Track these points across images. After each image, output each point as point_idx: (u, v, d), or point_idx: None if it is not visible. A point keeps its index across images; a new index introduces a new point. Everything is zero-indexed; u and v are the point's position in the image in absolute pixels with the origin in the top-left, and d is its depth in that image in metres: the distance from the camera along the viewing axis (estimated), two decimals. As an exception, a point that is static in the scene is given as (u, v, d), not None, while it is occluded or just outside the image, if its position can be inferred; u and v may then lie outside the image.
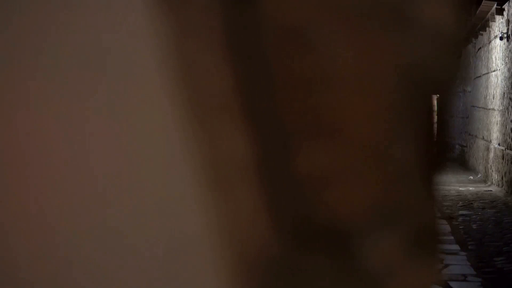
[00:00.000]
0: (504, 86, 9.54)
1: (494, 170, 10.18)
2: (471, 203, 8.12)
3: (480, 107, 12.30)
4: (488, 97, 11.34)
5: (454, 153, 15.76)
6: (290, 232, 0.32)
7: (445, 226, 6.46)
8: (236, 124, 0.31)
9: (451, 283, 4.27)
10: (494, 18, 10.66)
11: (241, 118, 0.31)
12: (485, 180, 10.97)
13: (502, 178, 9.41)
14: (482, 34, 12.44)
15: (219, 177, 0.31)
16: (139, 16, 0.31)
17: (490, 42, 11.28)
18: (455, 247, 5.44)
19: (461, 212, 7.40)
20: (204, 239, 0.32)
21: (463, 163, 14.17)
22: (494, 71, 10.75)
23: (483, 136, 11.74)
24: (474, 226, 6.43)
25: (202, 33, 0.32)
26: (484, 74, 11.99)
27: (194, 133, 0.31)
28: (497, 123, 10.12)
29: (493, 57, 10.87)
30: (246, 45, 0.32)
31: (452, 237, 5.86)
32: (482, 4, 10.65)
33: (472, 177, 11.83)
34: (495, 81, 10.50)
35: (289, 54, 0.33)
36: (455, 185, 10.57)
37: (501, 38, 9.61)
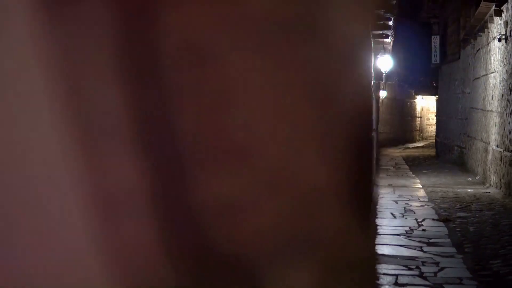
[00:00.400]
0: (502, 88, 9.50)
1: (492, 172, 10.14)
2: (469, 205, 8.08)
3: (478, 109, 12.26)
4: (486, 99, 11.30)
5: (453, 154, 15.71)
6: (190, 262, 0.29)
7: (442, 229, 6.42)
8: (126, 149, 0.28)
9: (446, 287, 4.23)
10: (493, 19, 10.62)
11: (133, 141, 0.28)
12: (483, 182, 10.93)
13: (500, 180, 9.37)
14: (480, 36, 12.40)
15: (107, 207, 0.28)
16: (21, 23, 0.28)
17: (488, 43, 11.24)
18: (451, 249, 5.40)
19: (458, 214, 7.35)
20: (81, 270, 0.28)
21: (461, 165, 14.13)
22: (492, 72, 10.71)
23: (481, 138, 11.70)
24: (471, 229, 6.39)
25: (90, 49, 0.29)
26: (482, 76, 11.95)
27: (79, 157, 0.28)
28: (495, 125, 10.07)
29: (492, 58, 10.83)
30: (142, 62, 0.29)
31: (448, 240, 5.82)
32: (481, 5, 10.62)
33: (470, 179, 11.79)
34: (494, 82, 10.46)
35: (190, 71, 0.30)
36: (453, 187, 10.53)
37: (499, 40, 9.57)
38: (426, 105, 31.29)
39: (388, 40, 10.03)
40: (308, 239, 0.31)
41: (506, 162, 8.93)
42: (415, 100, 30.61)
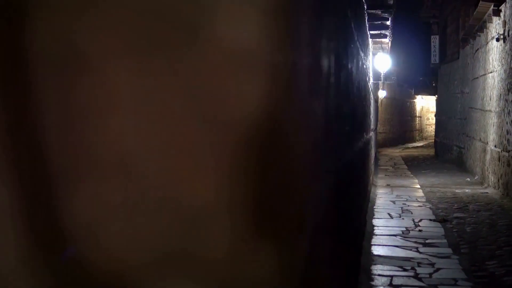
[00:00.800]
0: (500, 88, 9.47)
1: (490, 172, 10.11)
2: (467, 206, 8.05)
3: (477, 109, 12.23)
4: (485, 99, 11.27)
5: (452, 154, 15.68)
6: (61, 281, 0.26)
7: (439, 229, 6.40)
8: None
9: (441, 288, 4.21)
10: (492, 19, 10.59)
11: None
12: (482, 182, 10.90)
13: (498, 180, 9.34)
14: (479, 36, 12.37)
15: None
16: None
17: (487, 43, 11.21)
18: (448, 250, 5.37)
19: (455, 214, 7.33)
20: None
21: (461, 165, 14.10)
22: (491, 72, 10.68)
23: (480, 138, 11.67)
24: (468, 229, 6.36)
25: None
26: (481, 76, 11.92)
27: None
28: (493, 125, 10.05)
29: (490, 58, 10.80)
30: (4, 67, 0.27)
31: (445, 240, 5.79)
32: (479, 5, 10.59)
33: (469, 179, 11.76)
34: (492, 82, 10.43)
35: (62, 82, 0.28)
36: (452, 187, 10.51)
37: (497, 40, 9.55)
38: (426, 105, 31.28)
39: (386, 40, 10.00)
40: (192, 258, 0.29)
41: (504, 162, 8.90)
42: (414, 100, 30.58)
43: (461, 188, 10.27)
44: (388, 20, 8.30)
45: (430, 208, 7.90)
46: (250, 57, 0.44)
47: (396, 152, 21.64)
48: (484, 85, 11.38)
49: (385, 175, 13.03)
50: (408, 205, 8.13)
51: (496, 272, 4.57)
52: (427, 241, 5.74)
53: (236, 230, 0.31)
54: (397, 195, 9.23)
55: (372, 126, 11.30)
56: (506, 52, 9.15)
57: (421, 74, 25.13)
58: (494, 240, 5.75)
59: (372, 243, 5.62)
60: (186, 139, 0.28)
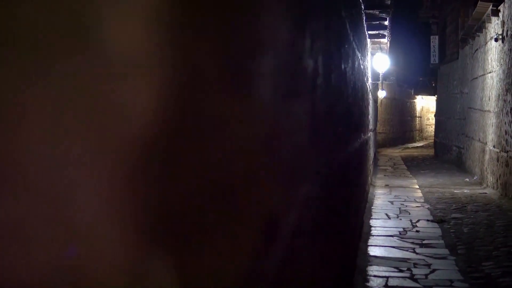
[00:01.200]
0: (499, 88, 9.46)
1: (489, 172, 10.10)
2: (465, 206, 8.03)
3: (476, 109, 12.22)
4: (484, 99, 11.26)
5: (451, 155, 15.66)
6: None
7: (436, 230, 6.38)
8: None
9: (436, 289, 4.19)
10: (490, 19, 10.57)
11: None
12: (480, 182, 10.88)
13: (497, 181, 9.32)
14: (478, 36, 12.35)
15: None
16: None
17: (486, 43, 11.19)
18: (444, 251, 5.36)
19: (453, 215, 7.31)
20: None
21: (460, 165, 14.09)
22: (489, 72, 10.67)
23: (479, 138, 11.65)
24: (465, 230, 6.34)
25: None
26: (480, 76, 11.91)
27: None
28: (492, 125, 10.03)
29: (489, 58, 10.79)
30: None
31: (442, 241, 5.78)
32: (478, 5, 10.58)
33: (468, 179, 11.75)
34: (491, 82, 10.41)
35: None
36: (450, 187, 10.49)
37: (495, 40, 9.53)
38: (426, 105, 31.28)
39: (385, 40, 9.99)
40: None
41: (502, 162, 8.89)
42: (415, 100, 30.57)
43: (460, 188, 10.26)
44: (386, 20, 8.28)
45: (428, 208, 7.89)
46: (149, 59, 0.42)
47: (396, 152, 21.63)
48: (483, 86, 11.37)
49: (384, 175, 13.01)
50: (406, 206, 8.11)
51: (492, 273, 4.55)
52: (424, 242, 5.72)
53: (133, 242, 0.29)
54: (395, 196, 9.22)
55: (370, 126, 11.29)
56: (504, 52, 9.13)
57: (421, 74, 25.12)
58: (491, 241, 5.73)
59: (369, 243, 5.60)
60: (77, 149, 0.27)
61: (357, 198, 4.83)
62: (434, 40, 17.74)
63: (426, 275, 4.51)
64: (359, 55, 5.78)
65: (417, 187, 10.55)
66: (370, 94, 10.57)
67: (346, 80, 3.58)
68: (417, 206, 8.08)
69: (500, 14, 9.68)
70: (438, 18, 17.98)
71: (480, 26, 11.68)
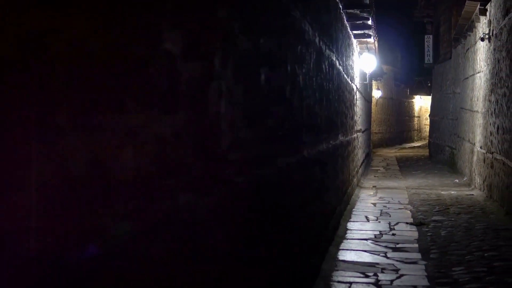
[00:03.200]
0: (485, 88, 9.34)
1: (477, 173, 9.98)
2: (448, 208, 7.92)
3: (467, 109, 12.09)
4: (473, 99, 11.13)
5: (444, 155, 15.54)
6: None
7: (413, 233, 6.27)
8: None
9: (397, 296, 4.08)
10: (479, 18, 10.45)
11: None
12: (469, 183, 10.77)
13: (483, 182, 9.20)
14: (469, 35, 12.23)
15: None
16: None
17: (476, 43, 11.07)
18: (417, 255, 5.25)
19: (434, 217, 7.20)
20: None
21: (452, 166, 13.96)
22: (478, 72, 10.55)
23: (468, 139, 11.53)
24: (443, 233, 6.23)
25: None
26: (470, 76, 11.79)
27: None
28: (479, 126, 9.91)
29: (478, 58, 10.67)
30: None
31: (416, 245, 5.67)
32: (466, 4, 10.47)
33: (457, 180, 11.63)
34: (479, 83, 10.29)
35: None
36: (438, 188, 10.38)
37: (482, 39, 9.41)
38: (424, 105, 31.12)
39: (371, 39, 9.87)
40: None
41: (488, 164, 8.77)
42: (413, 100, 30.42)
43: (447, 190, 10.14)
44: (368, 19, 8.17)
45: (410, 210, 7.78)
46: None
47: (392, 152, 21.51)
48: (473, 86, 11.25)
49: (375, 176, 12.90)
50: (389, 208, 8.00)
51: (460, 279, 4.44)
52: (398, 246, 5.62)
53: None
54: (380, 197, 9.11)
55: (358, 127, 11.19)
56: (491, 52, 9.01)
57: (418, 74, 24.97)
58: (467, 245, 5.62)
59: (340, 247, 5.50)
60: None
61: (322, 205, 4.72)
62: (429, 40, 17.62)
63: (392, 281, 4.40)
64: (331, 55, 5.68)
65: (405, 188, 10.43)
66: (357, 94, 10.46)
67: (299, 82, 3.49)
68: (399, 208, 7.96)
69: (488, 13, 9.55)
70: (433, 18, 17.84)
71: (470, 26, 11.56)
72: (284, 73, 2.98)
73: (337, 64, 6.42)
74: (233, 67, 2.03)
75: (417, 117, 31.08)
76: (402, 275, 4.57)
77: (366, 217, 7.23)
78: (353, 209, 7.81)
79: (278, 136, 2.77)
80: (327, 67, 5.23)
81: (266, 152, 2.50)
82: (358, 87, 10.72)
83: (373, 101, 21.45)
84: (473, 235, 6.09)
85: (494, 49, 8.36)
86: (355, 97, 9.89)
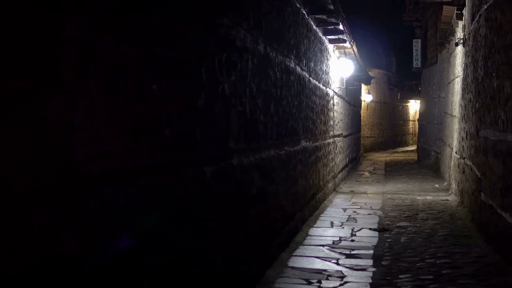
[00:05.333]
0: (459, 93, 9.31)
1: (453, 178, 9.95)
2: (417, 214, 7.89)
3: (448, 114, 12.07)
4: (453, 104, 11.11)
5: (430, 160, 15.50)
6: None
7: (373, 239, 6.24)
8: None
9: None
10: (457, 23, 10.44)
11: None
12: (448, 189, 10.73)
13: (458, 187, 9.17)
14: (452, 39, 12.21)
15: None
16: None
17: (455, 47, 11.04)
18: (368, 262, 5.22)
19: (400, 223, 7.17)
20: None
21: (436, 171, 13.93)
22: (457, 77, 10.52)
23: (449, 144, 11.51)
24: (403, 239, 6.20)
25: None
26: (451, 80, 11.77)
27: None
28: (456, 131, 9.88)
29: (456, 63, 10.65)
30: None
31: (371, 251, 5.64)
32: (443, 9, 10.47)
33: (437, 185, 11.59)
34: (457, 87, 10.26)
35: None
36: (415, 193, 10.35)
37: (456, 44, 9.41)
38: (419, 109, 31.08)
39: (347, 44, 9.85)
40: None
41: (461, 169, 8.74)
42: (407, 104, 30.37)
43: (424, 195, 10.10)
44: (339, 24, 8.16)
45: (379, 216, 7.75)
46: None
47: (383, 156, 21.46)
48: (453, 90, 11.22)
49: (357, 180, 12.87)
50: (358, 213, 7.97)
51: (402, 287, 4.42)
52: (352, 252, 5.59)
53: None
54: (353, 202, 9.08)
55: (338, 132, 11.16)
56: (465, 56, 8.98)
57: (411, 78, 24.94)
58: (422, 252, 5.59)
59: (294, 253, 5.48)
60: None
61: (266, 211, 4.70)
62: (417, 44, 17.60)
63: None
64: (286, 61, 5.67)
65: (382, 193, 10.40)
66: (334, 99, 10.45)
67: (208, 90, 3.49)
68: (369, 214, 7.94)
69: (463, 18, 9.53)
70: (421, 22, 17.82)
71: (451, 30, 11.54)
72: (196, 83, 2.97)
73: (298, 70, 6.41)
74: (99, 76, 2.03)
75: (412, 121, 31.00)
76: (346, 282, 4.55)
77: (332, 222, 7.21)
78: (321, 215, 7.79)
79: (185, 145, 2.77)
80: (278, 73, 5.22)
81: (158, 163, 2.49)
82: (336, 91, 10.71)
83: (363, 105, 21.42)
84: (432, 241, 6.06)
85: (464, 54, 8.34)
86: (330, 102, 9.87)
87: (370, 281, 4.62)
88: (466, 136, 7.88)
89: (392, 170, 15.64)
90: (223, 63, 3.47)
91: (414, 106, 31.03)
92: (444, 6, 10.13)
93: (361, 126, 19.41)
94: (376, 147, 24.29)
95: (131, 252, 2.22)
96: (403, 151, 24.82)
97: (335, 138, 10.63)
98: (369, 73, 21.24)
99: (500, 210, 5.22)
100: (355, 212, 8.11)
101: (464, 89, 8.06)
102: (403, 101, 29.38)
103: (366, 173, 14.88)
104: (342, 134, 12.04)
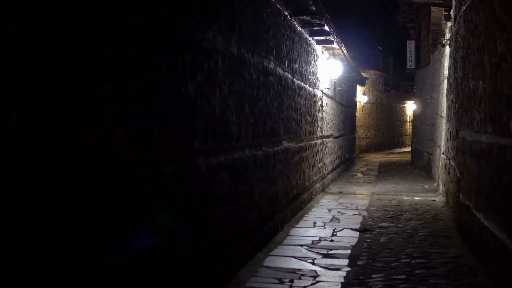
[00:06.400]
0: (445, 94, 9.34)
1: (440, 179, 9.98)
2: (402, 214, 7.91)
3: (438, 115, 12.09)
4: (443, 105, 11.13)
5: (423, 161, 15.52)
6: None
7: (353, 239, 6.27)
8: None
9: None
10: (446, 24, 10.47)
11: None
12: (437, 189, 10.75)
13: (444, 187, 9.20)
14: (442, 40, 12.24)
15: None
16: None
17: (445, 48, 11.07)
18: (344, 262, 5.25)
19: (383, 224, 7.20)
20: None
21: (428, 171, 13.95)
22: (445, 78, 10.54)
23: (439, 144, 11.53)
24: (382, 239, 6.23)
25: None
26: (442, 81, 11.79)
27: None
28: (443, 131, 9.91)
29: (446, 64, 10.67)
30: None
31: (349, 251, 5.67)
32: (432, 10, 10.51)
33: (427, 186, 11.61)
34: (446, 88, 10.29)
35: None
36: (403, 194, 10.37)
37: (443, 45, 9.42)
38: (414, 110, 31.07)
39: (335, 45, 9.88)
40: None
41: (447, 169, 8.76)
42: (405, 105, 30.37)
43: (412, 196, 10.13)
44: (324, 25, 8.19)
45: (363, 216, 7.77)
46: None
47: (378, 157, 21.48)
48: (442, 91, 11.25)
49: (348, 181, 12.89)
50: (343, 214, 8.00)
51: (372, 286, 4.45)
52: (330, 252, 5.62)
53: None
54: (340, 203, 9.10)
55: (327, 133, 11.19)
56: (452, 57, 9.01)
57: (407, 80, 24.96)
58: (399, 251, 5.61)
59: (272, 253, 5.51)
60: None
61: (238, 212, 4.73)
62: (411, 45, 17.62)
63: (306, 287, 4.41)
64: (264, 61, 5.70)
65: (370, 194, 10.42)
66: (323, 99, 10.47)
67: (168, 90, 3.52)
68: (353, 214, 7.96)
69: (451, 19, 9.56)
70: (415, 23, 17.85)
71: (441, 31, 11.57)
72: (155, 84, 3.01)
73: (279, 71, 6.44)
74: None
75: (409, 122, 30.99)
76: (317, 282, 4.58)
77: (315, 223, 7.24)
78: (306, 215, 7.82)
79: (140, 146, 2.80)
80: (254, 74, 5.25)
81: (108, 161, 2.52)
82: (325, 92, 10.73)
83: (358, 106, 21.44)
84: (411, 242, 6.09)
85: (449, 54, 8.38)
86: (319, 103, 9.90)
87: (343, 280, 4.64)
88: (450, 136, 7.91)
89: (385, 171, 15.66)
90: (187, 64, 3.51)
91: (411, 108, 31.00)
92: (432, 7, 10.18)
93: (356, 127, 19.43)
94: (372, 148, 24.30)
95: (78, 250, 2.26)
96: (399, 152, 24.82)
97: (324, 139, 10.65)
98: (364, 74, 21.28)
99: (475, 210, 5.25)
100: (340, 212, 8.14)
101: (448, 90, 8.10)
102: (400, 102, 29.39)
103: (359, 174, 14.90)
104: (332, 135, 12.06)
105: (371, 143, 24.33)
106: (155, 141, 3.02)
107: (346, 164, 15.69)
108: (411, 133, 31.62)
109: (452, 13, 9.07)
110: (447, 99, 8.25)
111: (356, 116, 19.70)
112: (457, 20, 7.02)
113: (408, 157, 21.00)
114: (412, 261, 5.21)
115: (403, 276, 4.71)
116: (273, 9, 6.16)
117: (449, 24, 9.86)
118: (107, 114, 2.53)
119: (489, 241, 4.57)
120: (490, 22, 4.57)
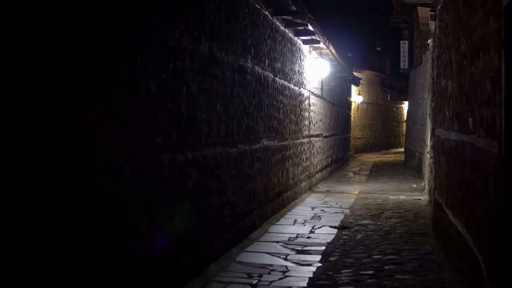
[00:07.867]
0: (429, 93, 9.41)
1: (426, 178, 10.04)
2: (383, 213, 7.98)
3: (427, 114, 12.15)
4: (431, 105, 11.21)
5: (415, 160, 15.57)
6: None
7: (330, 236, 6.33)
8: None
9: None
10: (433, 24, 10.54)
11: None
12: (424, 188, 10.81)
13: (429, 186, 9.26)
14: (431, 40, 12.31)
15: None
16: None
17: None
18: (316, 258, 5.31)
19: (363, 221, 7.26)
20: None
21: (419, 171, 14.00)
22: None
23: (427, 144, 11.59)
24: (358, 237, 6.29)
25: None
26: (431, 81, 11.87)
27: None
28: (429, 131, 9.98)
29: (435, 64, 10.74)
30: None
31: (323, 248, 5.73)
32: (418, 10, 10.58)
33: (415, 185, 11.67)
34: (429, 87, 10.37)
35: None
36: (390, 193, 10.43)
37: (427, 45, 9.47)
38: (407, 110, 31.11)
39: (322, 45, 9.95)
40: None
41: (430, 168, 8.83)
42: (402, 106, 30.40)
43: (399, 194, 10.19)
44: (307, 25, 8.26)
45: (345, 214, 7.83)
46: None
47: (373, 157, 21.54)
48: (431, 91, 11.32)
49: (337, 180, 12.96)
50: (325, 212, 8.07)
51: (339, 281, 4.51)
52: (304, 248, 5.69)
53: None
54: (324, 201, 9.17)
55: (315, 132, 11.26)
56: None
57: (402, 80, 25.00)
58: (372, 248, 5.68)
59: (246, 249, 5.58)
60: None
61: (208, 207, 4.80)
62: (404, 45, 17.69)
63: (271, 282, 4.47)
64: (240, 60, 5.77)
65: (356, 192, 10.49)
66: (310, 99, 10.54)
67: (126, 89, 3.60)
68: (336, 212, 8.02)
69: (436, 19, 9.63)
70: (408, 23, 17.90)
71: (429, 31, 11.64)
72: (111, 81, 3.09)
73: (258, 69, 6.51)
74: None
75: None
76: (286, 277, 4.65)
77: (295, 220, 7.31)
78: (288, 213, 7.89)
79: (92, 141, 2.88)
80: (228, 73, 5.32)
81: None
82: (313, 92, 10.80)
83: (354, 106, 21.50)
84: (386, 239, 6.15)
85: (430, 55, 8.45)
86: (305, 102, 9.97)
87: (311, 275, 4.71)
88: (431, 135, 7.98)
89: (377, 171, 15.72)
90: (148, 62, 3.58)
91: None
92: (418, 7, 10.24)
93: (350, 127, 19.49)
94: (368, 148, 24.36)
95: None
96: (394, 152, 24.87)
97: (311, 138, 10.72)
98: (360, 74, 21.34)
99: (445, 207, 5.32)
100: (323, 210, 8.21)
101: (429, 89, 8.16)
102: (397, 103, 29.43)
103: (350, 173, 14.96)
104: (321, 134, 12.13)
105: (367, 143, 24.39)
106: (110, 136, 3.09)
107: (339, 163, 15.75)
108: (408, 134, 31.74)
109: (438, 13, 9.14)
110: (429, 98, 8.32)
111: (350, 116, 19.76)
112: (435, 20, 7.09)
113: (403, 157, 21.07)
114: (384, 258, 5.28)
115: (371, 272, 4.78)
116: (250, 8, 6.23)
117: (435, 24, 9.94)
118: (56, 110, 2.61)
119: (454, 238, 4.64)
120: (456, 21, 4.65)
